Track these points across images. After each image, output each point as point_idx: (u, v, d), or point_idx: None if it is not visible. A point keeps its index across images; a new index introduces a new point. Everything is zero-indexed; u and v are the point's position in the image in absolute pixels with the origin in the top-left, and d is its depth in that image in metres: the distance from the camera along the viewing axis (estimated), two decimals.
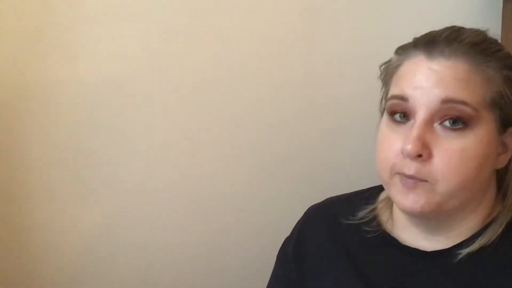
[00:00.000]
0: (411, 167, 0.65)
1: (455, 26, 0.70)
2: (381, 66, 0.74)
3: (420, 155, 0.64)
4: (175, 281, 1.19)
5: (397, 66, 0.70)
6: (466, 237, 0.70)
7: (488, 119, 0.65)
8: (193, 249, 1.16)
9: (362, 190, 0.82)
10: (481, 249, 0.69)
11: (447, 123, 0.64)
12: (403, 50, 0.71)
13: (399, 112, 0.68)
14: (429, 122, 0.65)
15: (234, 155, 1.14)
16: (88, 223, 1.13)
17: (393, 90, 0.69)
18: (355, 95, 1.12)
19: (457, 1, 1.11)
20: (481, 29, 0.70)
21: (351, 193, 0.84)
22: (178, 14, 1.07)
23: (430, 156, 0.64)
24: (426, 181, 0.65)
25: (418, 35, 1.07)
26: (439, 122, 0.65)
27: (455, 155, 0.64)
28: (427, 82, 0.65)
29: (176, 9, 1.06)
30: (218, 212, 1.15)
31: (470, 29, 0.69)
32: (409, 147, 0.64)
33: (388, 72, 0.72)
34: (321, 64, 1.11)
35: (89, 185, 1.11)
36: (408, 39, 1.10)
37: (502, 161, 0.69)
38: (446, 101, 0.64)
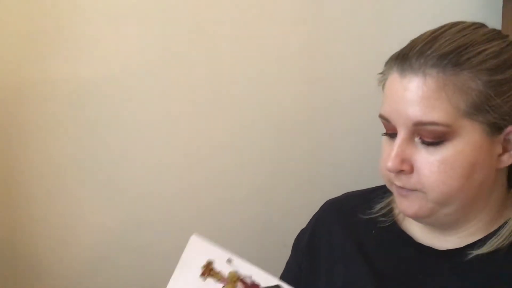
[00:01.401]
0: (399, 180, 0.69)
1: (440, 29, 0.69)
2: (379, 74, 0.76)
3: (402, 170, 0.67)
4: None
5: (383, 81, 0.72)
6: (479, 237, 0.71)
7: (470, 127, 0.65)
8: None
9: (379, 186, 0.83)
10: (491, 253, 0.69)
11: (425, 139, 0.66)
12: (387, 65, 0.71)
13: (387, 129, 0.71)
14: (408, 139, 0.67)
15: (236, 157, 1.14)
16: (88, 224, 1.13)
17: (380, 108, 0.71)
18: (358, 97, 1.13)
19: (457, 1, 1.11)
20: (469, 27, 0.69)
21: (368, 188, 0.85)
22: (178, 15, 1.06)
23: (411, 169, 0.67)
24: (417, 190, 0.68)
25: (417, 35, 1.09)
26: (418, 137, 0.67)
27: (435, 166, 0.66)
28: (401, 103, 0.67)
29: (176, 9, 1.06)
30: (221, 213, 1.15)
31: (450, 33, 0.68)
32: (389, 164, 0.67)
33: (382, 84, 0.74)
34: (323, 67, 1.11)
35: (89, 186, 1.11)
36: (408, 39, 1.10)
37: (506, 160, 0.69)
38: (416, 124, 0.66)
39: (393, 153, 0.67)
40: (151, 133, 1.11)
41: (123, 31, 1.05)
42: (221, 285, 0.68)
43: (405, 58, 0.67)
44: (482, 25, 0.71)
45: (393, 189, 0.72)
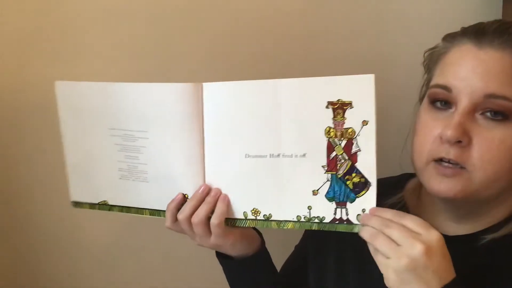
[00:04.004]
0: (450, 152, 0.66)
1: (504, 19, 0.71)
2: (426, 52, 0.75)
3: (460, 141, 0.65)
4: (179, 284, 1.19)
5: (443, 53, 0.71)
6: (492, 224, 0.71)
7: None
8: (198, 252, 1.16)
9: (390, 176, 0.83)
10: (506, 236, 0.69)
11: (488, 114, 0.66)
12: (451, 38, 0.71)
13: (441, 100, 0.69)
14: (470, 111, 0.66)
15: None
16: (90, 224, 1.13)
17: (438, 79, 0.70)
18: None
19: (457, 1, 1.11)
20: None
21: (379, 179, 0.84)
22: (178, 14, 1.06)
23: (469, 143, 0.66)
24: (464, 168, 0.66)
25: (417, 35, 1.09)
26: (480, 112, 0.66)
27: (494, 144, 0.65)
28: (473, 73, 0.66)
29: (176, 9, 1.06)
30: None
31: None
32: (449, 132, 0.65)
33: (432, 59, 0.73)
34: (320, 62, 1.11)
35: None
36: (407, 38, 1.10)
37: None
38: (488, 96, 0.65)
39: (456, 121, 0.65)
40: None
41: (123, 31, 1.05)
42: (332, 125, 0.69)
43: (483, 32, 0.67)
44: None
45: (429, 168, 0.69)
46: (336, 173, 0.69)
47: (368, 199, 0.68)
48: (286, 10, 1.08)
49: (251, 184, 0.73)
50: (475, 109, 0.66)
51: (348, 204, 0.69)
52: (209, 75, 1.08)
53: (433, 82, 0.71)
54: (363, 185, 0.68)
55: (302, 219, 0.72)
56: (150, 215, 0.79)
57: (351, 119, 0.68)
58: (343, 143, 0.69)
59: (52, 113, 1.06)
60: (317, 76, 0.69)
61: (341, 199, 0.70)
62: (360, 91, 0.67)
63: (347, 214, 0.69)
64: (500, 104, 0.65)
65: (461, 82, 0.66)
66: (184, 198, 0.75)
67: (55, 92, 0.79)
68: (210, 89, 0.72)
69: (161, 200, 0.76)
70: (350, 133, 0.68)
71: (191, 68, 1.08)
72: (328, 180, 0.70)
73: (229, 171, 0.73)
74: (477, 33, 0.68)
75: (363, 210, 0.68)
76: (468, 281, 0.66)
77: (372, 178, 0.68)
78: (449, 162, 0.67)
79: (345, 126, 0.68)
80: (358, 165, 0.68)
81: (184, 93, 0.72)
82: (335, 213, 0.70)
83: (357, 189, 0.69)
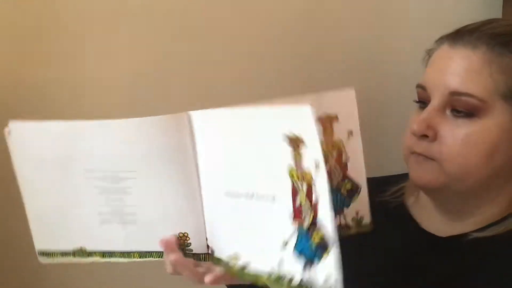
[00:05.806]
0: (420, 146, 0.70)
1: (493, 18, 0.72)
2: (426, 51, 0.78)
3: (426, 136, 0.69)
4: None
5: (431, 55, 0.74)
6: (484, 225, 0.72)
7: (503, 109, 0.67)
8: None
9: (391, 175, 0.86)
10: (496, 236, 0.70)
11: (454, 111, 0.68)
12: (438, 41, 0.74)
13: (421, 99, 0.72)
14: (440, 109, 0.69)
15: None
16: None
17: (420, 79, 0.73)
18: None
19: (457, 1, 1.11)
20: None
21: (386, 176, 0.86)
22: (178, 14, 1.07)
23: (435, 137, 0.68)
24: (434, 160, 0.69)
25: (416, 35, 1.09)
26: (450, 109, 0.68)
27: (459, 139, 0.67)
28: (442, 72, 0.69)
29: (176, 9, 1.06)
30: None
31: (504, 21, 0.72)
32: (415, 127, 0.69)
33: (426, 59, 0.76)
34: (319, 65, 1.11)
35: None
36: (407, 38, 1.10)
37: None
38: (452, 93, 0.67)
39: (421, 117, 0.69)
40: None
41: (123, 31, 1.06)
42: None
43: (458, 33, 0.70)
44: None
45: (410, 160, 0.72)
46: (303, 224, 0.55)
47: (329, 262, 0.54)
48: (285, 11, 1.09)
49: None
50: (444, 106, 0.69)
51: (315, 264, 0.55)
52: (209, 77, 1.09)
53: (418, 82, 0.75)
54: (325, 243, 0.54)
55: (272, 276, 0.59)
56: (140, 258, 0.70)
57: (307, 159, 0.53)
58: (305, 187, 0.54)
59: (52, 113, 1.07)
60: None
61: (308, 257, 0.56)
62: (302, 121, 0.52)
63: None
64: (464, 101, 0.67)
65: (431, 81, 0.70)
66: (184, 237, 0.67)
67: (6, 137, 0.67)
68: (199, 117, 0.63)
69: (155, 241, 0.67)
70: (308, 178, 0.53)
71: (192, 70, 1.08)
72: (296, 232, 0.56)
73: (222, 207, 0.64)
74: (455, 33, 0.70)
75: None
76: (459, 281, 0.67)
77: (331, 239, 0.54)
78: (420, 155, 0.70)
79: (304, 166, 0.53)
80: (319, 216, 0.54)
81: (171, 125, 0.64)
82: (302, 274, 0.56)
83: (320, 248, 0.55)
